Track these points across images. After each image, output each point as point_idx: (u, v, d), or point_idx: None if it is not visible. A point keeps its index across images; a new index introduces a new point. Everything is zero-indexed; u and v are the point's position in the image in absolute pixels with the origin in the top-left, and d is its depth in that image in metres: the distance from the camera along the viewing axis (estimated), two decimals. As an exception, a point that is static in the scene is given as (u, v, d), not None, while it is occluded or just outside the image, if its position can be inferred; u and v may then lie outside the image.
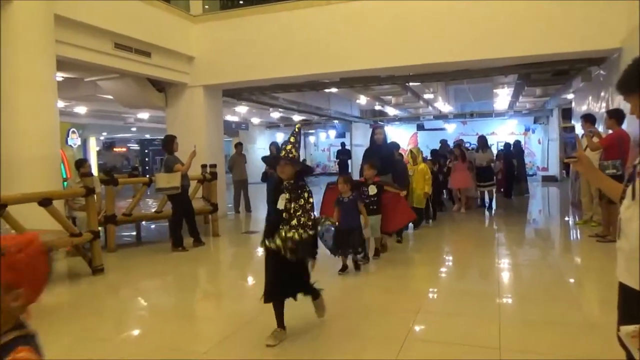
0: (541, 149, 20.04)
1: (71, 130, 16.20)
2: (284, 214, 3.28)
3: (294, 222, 3.23)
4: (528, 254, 6.66)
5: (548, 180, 17.42)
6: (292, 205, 3.26)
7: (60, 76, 8.90)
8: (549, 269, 5.64)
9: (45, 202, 4.76)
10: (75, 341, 3.70)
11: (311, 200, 3.33)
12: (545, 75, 10.86)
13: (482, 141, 10.75)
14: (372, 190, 5.54)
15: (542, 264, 5.98)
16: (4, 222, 4.83)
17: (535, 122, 20.06)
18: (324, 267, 4.79)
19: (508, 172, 12.31)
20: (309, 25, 8.50)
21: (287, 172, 3.32)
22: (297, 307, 3.64)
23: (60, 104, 12.11)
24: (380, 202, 5.62)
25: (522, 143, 15.28)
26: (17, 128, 5.97)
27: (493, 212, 10.29)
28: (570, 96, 12.66)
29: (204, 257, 6.87)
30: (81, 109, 14.36)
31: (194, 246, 6.95)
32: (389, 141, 7.38)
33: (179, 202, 6.82)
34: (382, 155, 6.27)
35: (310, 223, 3.29)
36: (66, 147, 13.27)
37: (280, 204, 3.30)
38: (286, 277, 3.36)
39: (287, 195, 3.29)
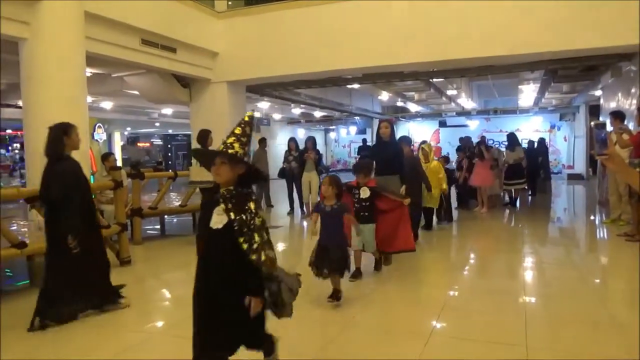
0: (567, 147, 19.66)
1: (97, 125, 16.53)
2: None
3: (245, 245, 2.18)
4: (554, 254, 6.55)
5: (574, 178, 17.08)
6: (236, 219, 2.21)
7: (88, 72, 9.09)
8: (575, 268, 5.55)
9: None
10: (104, 331, 3.80)
11: (260, 217, 2.27)
12: (573, 71, 10.66)
13: (512, 139, 10.52)
14: (365, 192, 4.69)
15: (568, 263, 5.90)
16: (35, 214, 4.97)
17: (561, 119, 19.69)
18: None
19: (532, 170, 12.06)
20: (332, 21, 8.48)
21: (224, 175, 2.31)
22: (321, 299, 3.66)
23: (88, 99, 12.37)
24: (374, 209, 4.75)
25: (547, 141, 15.05)
26: (46, 122, 6.07)
27: (517, 211, 10.07)
28: (598, 92, 12.38)
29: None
30: (107, 104, 14.63)
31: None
32: (401, 136, 7.20)
33: (210, 197, 6.89)
34: (389, 152, 5.71)
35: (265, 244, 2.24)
36: (92, 142, 13.56)
37: (215, 221, 2.27)
38: (224, 322, 2.30)
39: (224, 207, 2.26)
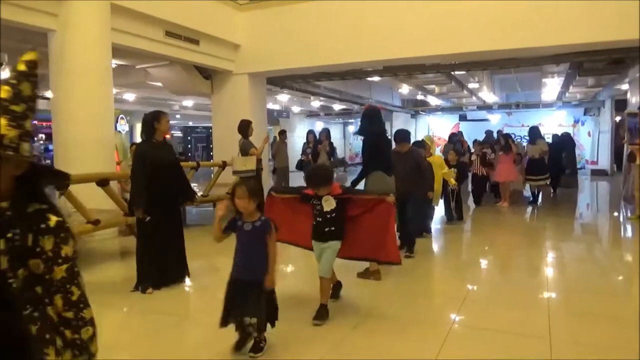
0: (591, 142, 19.26)
1: (120, 116, 16.79)
2: None
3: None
4: (577, 249, 6.47)
5: (598, 174, 16.75)
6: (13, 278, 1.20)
7: (113, 63, 9.24)
8: (599, 264, 5.49)
9: (103, 182, 5.00)
10: (128, 315, 3.91)
11: (73, 268, 1.31)
12: (599, 64, 10.43)
13: (534, 132, 10.08)
14: (329, 204, 3.48)
15: (592, 259, 5.82)
16: (64, 201, 5.10)
17: (585, 113, 19.27)
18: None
19: (554, 165, 11.80)
20: (353, 13, 8.46)
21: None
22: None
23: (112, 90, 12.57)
24: (343, 221, 3.61)
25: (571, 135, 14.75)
26: (74, 112, 6.28)
27: (539, 207, 9.76)
28: (625, 86, 12.11)
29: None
30: (130, 96, 14.84)
31: None
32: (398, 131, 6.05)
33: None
34: (365, 144, 4.94)
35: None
36: (115, 133, 13.78)
37: None
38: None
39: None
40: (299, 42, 8.92)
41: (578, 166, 17.33)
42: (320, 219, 3.54)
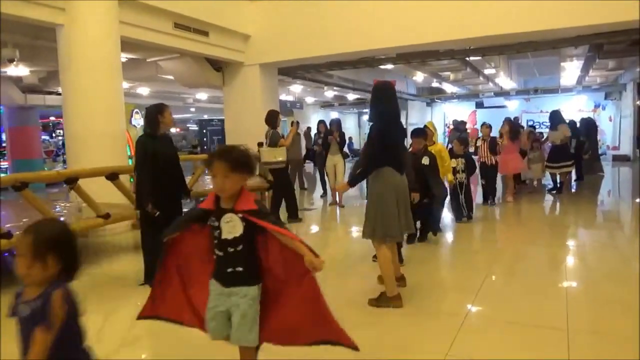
0: (612, 127, 18.77)
1: (135, 110, 16.88)
2: None
3: None
4: (599, 237, 6.28)
5: (620, 160, 16.32)
6: None
7: (123, 57, 9.24)
8: (621, 252, 5.30)
9: (112, 176, 4.99)
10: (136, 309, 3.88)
11: None
12: (619, 46, 10.08)
13: (556, 116, 9.32)
14: (234, 226, 2.06)
15: (613, 246, 5.64)
16: (75, 196, 5.11)
17: (606, 97, 18.76)
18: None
19: (576, 151, 11.39)
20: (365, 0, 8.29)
21: None
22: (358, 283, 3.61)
23: (124, 84, 12.61)
24: (255, 257, 2.15)
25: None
26: (84, 106, 6.28)
27: (561, 195, 9.03)
28: (647, 68, 11.71)
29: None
30: (144, 90, 14.90)
31: (289, 222, 6.89)
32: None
33: (281, 177, 7.00)
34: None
35: None
36: (130, 127, 13.87)
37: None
38: None
39: None
40: (310, 31, 8.80)
41: (599, 152, 16.96)
42: (220, 254, 2.09)
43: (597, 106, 19.50)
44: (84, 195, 4.81)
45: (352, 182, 3.70)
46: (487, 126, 8.21)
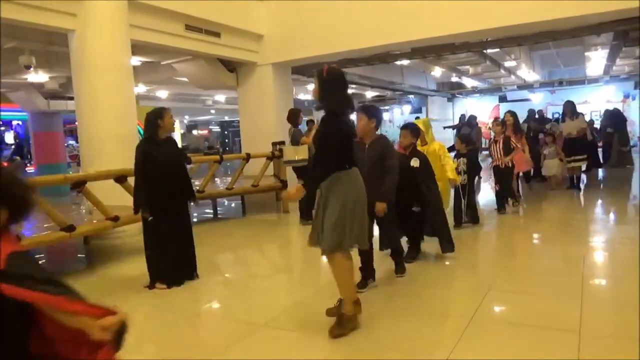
0: (643, 118, 18.05)
1: (154, 113, 17.12)
2: None
3: None
4: (623, 234, 6.01)
5: (651, 151, 15.70)
6: None
7: (138, 60, 9.37)
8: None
9: (120, 179, 5.01)
10: (152, 311, 3.88)
11: None
12: (646, 32, 9.62)
13: (570, 107, 8.82)
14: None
15: (633, 245, 5.37)
16: (85, 198, 5.16)
17: (635, 87, 18.06)
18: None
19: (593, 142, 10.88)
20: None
21: None
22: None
23: (142, 88, 12.81)
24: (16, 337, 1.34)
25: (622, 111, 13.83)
26: (96, 110, 6.35)
27: (580, 191, 8.52)
28: (678, 55, 11.18)
29: (275, 233, 6.97)
30: (162, 93, 15.09)
31: (302, 224, 6.71)
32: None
33: (305, 175, 6.93)
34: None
35: None
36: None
37: None
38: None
39: None
40: (322, 28, 8.71)
41: (631, 144, 16.37)
42: None
43: (626, 96, 18.78)
44: (92, 198, 4.85)
45: (308, 194, 3.15)
46: (498, 123, 7.16)
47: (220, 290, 4.43)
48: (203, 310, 3.97)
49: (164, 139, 4.20)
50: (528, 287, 3.98)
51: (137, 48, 8.22)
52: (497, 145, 6.97)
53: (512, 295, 3.77)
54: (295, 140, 6.91)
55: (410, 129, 4.56)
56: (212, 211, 8.58)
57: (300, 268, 5.21)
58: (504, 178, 7.00)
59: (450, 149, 6.44)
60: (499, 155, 6.93)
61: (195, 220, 8.25)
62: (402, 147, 4.56)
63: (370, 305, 3.49)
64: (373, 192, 3.51)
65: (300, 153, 6.75)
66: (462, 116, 15.20)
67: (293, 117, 7.13)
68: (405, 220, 4.41)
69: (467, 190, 6.07)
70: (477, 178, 7.63)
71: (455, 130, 13.97)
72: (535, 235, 6.04)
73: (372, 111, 3.84)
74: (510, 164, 6.94)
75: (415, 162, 4.43)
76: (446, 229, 4.66)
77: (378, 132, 3.96)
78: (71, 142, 21.76)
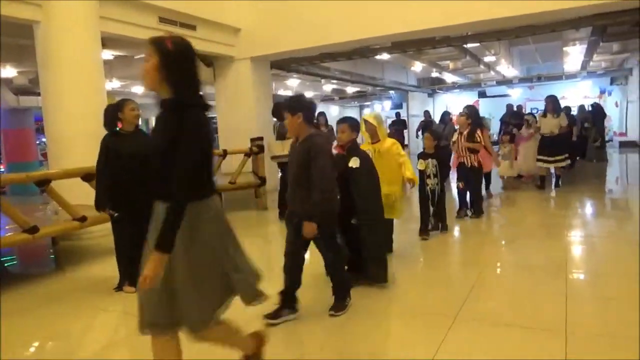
0: (619, 112, 18.35)
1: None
2: None
3: None
4: (605, 228, 6.00)
5: (627, 145, 15.95)
6: None
7: (110, 54, 9.05)
8: (629, 244, 5.03)
9: (88, 177, 4.76)
10: (122, 315, 3.68)
11: None
12: (623, 27, 9.69)
13: (553, 102, 7.99)
14: None
15: (620, 238, 5.36)
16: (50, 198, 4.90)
17: (611, 83, 18.33)
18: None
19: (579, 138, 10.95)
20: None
21: None
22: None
23: (117, 83, 12.43)
24: None
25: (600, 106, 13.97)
26: (64, 106, 6.07)
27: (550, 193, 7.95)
28: (654, 50, 11.32)
29: (254, 231, 6.79)
30: (138, 89, 14.67)
31: (280, 219, 6.43)
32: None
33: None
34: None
35: None
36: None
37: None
38: None
39: None
40: (302, 22, 8.54)
41: (606, 138, 16.61)
42: None
43: (602, 92, 19.06)
44: (57, 197, 4.60)
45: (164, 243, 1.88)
46: (461, 114, 6.40)
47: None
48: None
49: (132, 132, 3.96)
50: (509, 285, 3.89)
51: (109, 41, 7.92)
52: (461, 139, 6.22)
53: (495, 294, 3.67)
54: (281, 135, 6.75)
55: (349, 123, 3.84)
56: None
57: (280, 266, 5.04)
58: (470, 179, 6.20)
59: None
60: (463, 151, 6.18)
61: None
62: (340, 146, 3.84)
63: (356, 301, 3.36)
64: (299, 207, 3.06)
65: (287, 148, 6.56)
66: (427, 112, 14.59)
67: (279, 110, 6.94)
68: (349, 236, 3.65)
69: (437, 198, 5.29)
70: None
71: (421, 128, 12.64)
72: (511, 237, 5.70)
73: (293, 105, 3.11)
74: (477, 164, 6.14)
75: (354, 162, 3.65)
76: (381, 253, 3.76)
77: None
78: (44, 139, 21.16)
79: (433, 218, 5.41)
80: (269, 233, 6.85)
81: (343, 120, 3.88)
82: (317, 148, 3.02)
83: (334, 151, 3.74)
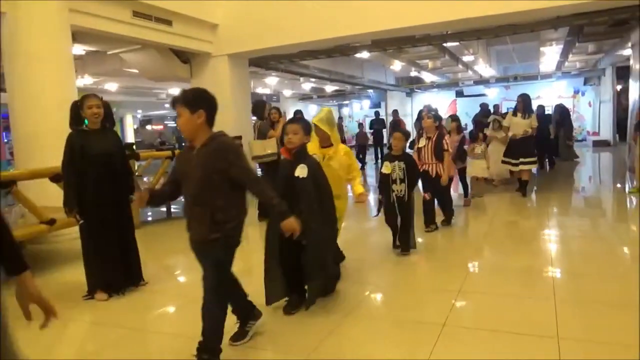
0: (592, 112, 18.72)
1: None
2: None
3: None
4: (581, 227, 6.02)
5: (600, 145, 16.31)
6: None
7: (82, 49, 8.73)
8: (607, 242, 5.05)
9: (57, 177, 4.51)
10: (92, 326, 3.46)
11: None
12: (600, 28, 9.84)
13: (524, 102, 7.52)
14: None
15: (598, 237, 5.38)
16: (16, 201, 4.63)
17: (585, 83, 18.68)
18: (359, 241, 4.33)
19: (543, 140, 10.58)
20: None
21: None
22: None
23: (89, 80, 12.04)
24: None
25: (571, 107, 14.17)
26: (31, 102, 5.78)
27: (532, 189, 7.87)
28: (627, 52, 11.53)
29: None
30: (111, 86, 14.28)
31: (259, 220, 6.10)
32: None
33: (274, 172, 6.33)
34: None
35: None
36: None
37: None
38: None
39: None
40: (281, 18, 8.36)
41: (579, 138, 16.95)
42: None
43: (576, 92, 19.41)
44: (23, 199, 4.34)
45: None
46: (429, 116, 5.62)
47: (171, 299, 4.02)
48: (150, 324, 3.57)
49: (98, 129, 3.73)
50: (496, 290, 3.82)
51: (79, 35, 7.61)
52: (429, 144, 5.49)
53: (483, 299, 3.59)
54: (262, 134, 6.53)
55: (302, 124, 3.27)
56: (165, 209, 8.10)
57: (261, 270, 4.88)
58: (438, 188, 5.50)
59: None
60: (428, 158, 5.51)
61: (149, 219, 7.79)
62: (288, 149, 3.27)
63: (334, 314, 3.23)
64: (196, 231, 2.59)
65: (269, 147, 6.37)
66: (395, 111, 14.30)
67: (258, 109, 6.72)
68: (288, 258, 3.26)
69: (405, 207, 4.51)
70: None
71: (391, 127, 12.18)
72: (490, 242, 5.68)
73: (193, 100, 2.55)
74: (441, 171, 5.46)
75: (301, 171, 3.15)
76: (324, 276, 3.33)
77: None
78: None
79: (400, 235, 4.60)
80: (247, 233, 6.66)
81: (295, 121, 3.36)
82: (232, 149, 2.54)
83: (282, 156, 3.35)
